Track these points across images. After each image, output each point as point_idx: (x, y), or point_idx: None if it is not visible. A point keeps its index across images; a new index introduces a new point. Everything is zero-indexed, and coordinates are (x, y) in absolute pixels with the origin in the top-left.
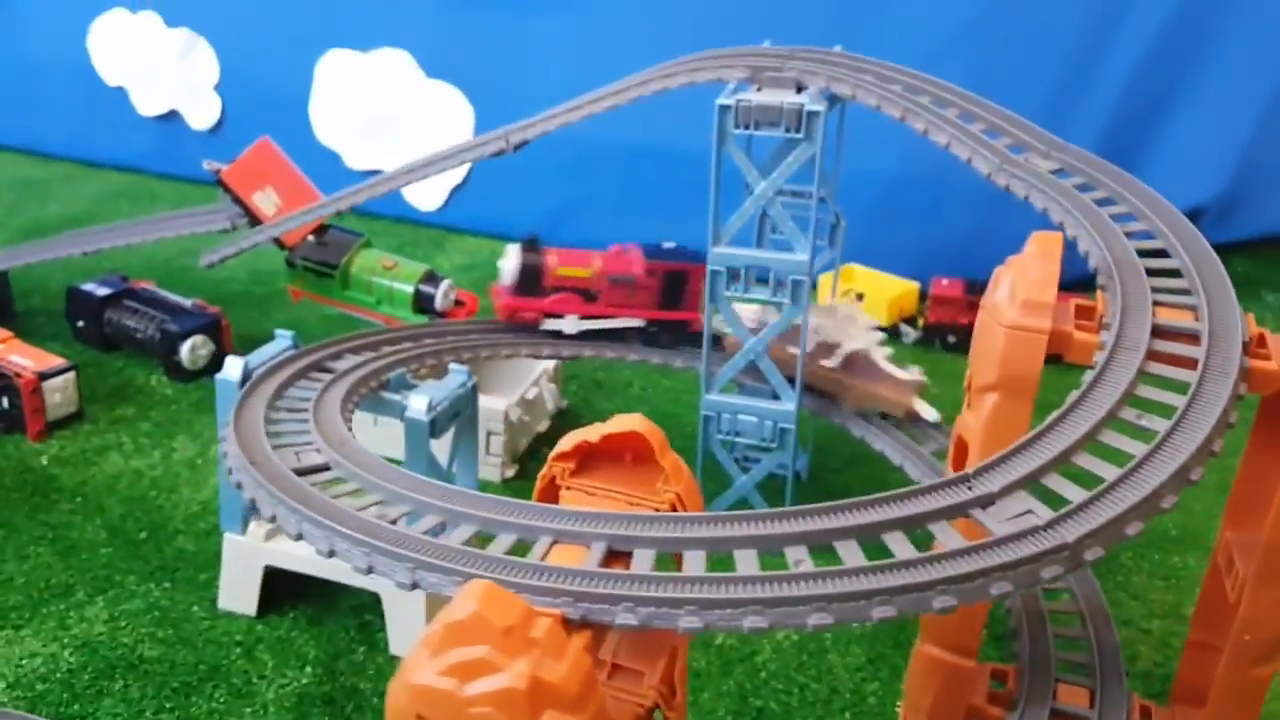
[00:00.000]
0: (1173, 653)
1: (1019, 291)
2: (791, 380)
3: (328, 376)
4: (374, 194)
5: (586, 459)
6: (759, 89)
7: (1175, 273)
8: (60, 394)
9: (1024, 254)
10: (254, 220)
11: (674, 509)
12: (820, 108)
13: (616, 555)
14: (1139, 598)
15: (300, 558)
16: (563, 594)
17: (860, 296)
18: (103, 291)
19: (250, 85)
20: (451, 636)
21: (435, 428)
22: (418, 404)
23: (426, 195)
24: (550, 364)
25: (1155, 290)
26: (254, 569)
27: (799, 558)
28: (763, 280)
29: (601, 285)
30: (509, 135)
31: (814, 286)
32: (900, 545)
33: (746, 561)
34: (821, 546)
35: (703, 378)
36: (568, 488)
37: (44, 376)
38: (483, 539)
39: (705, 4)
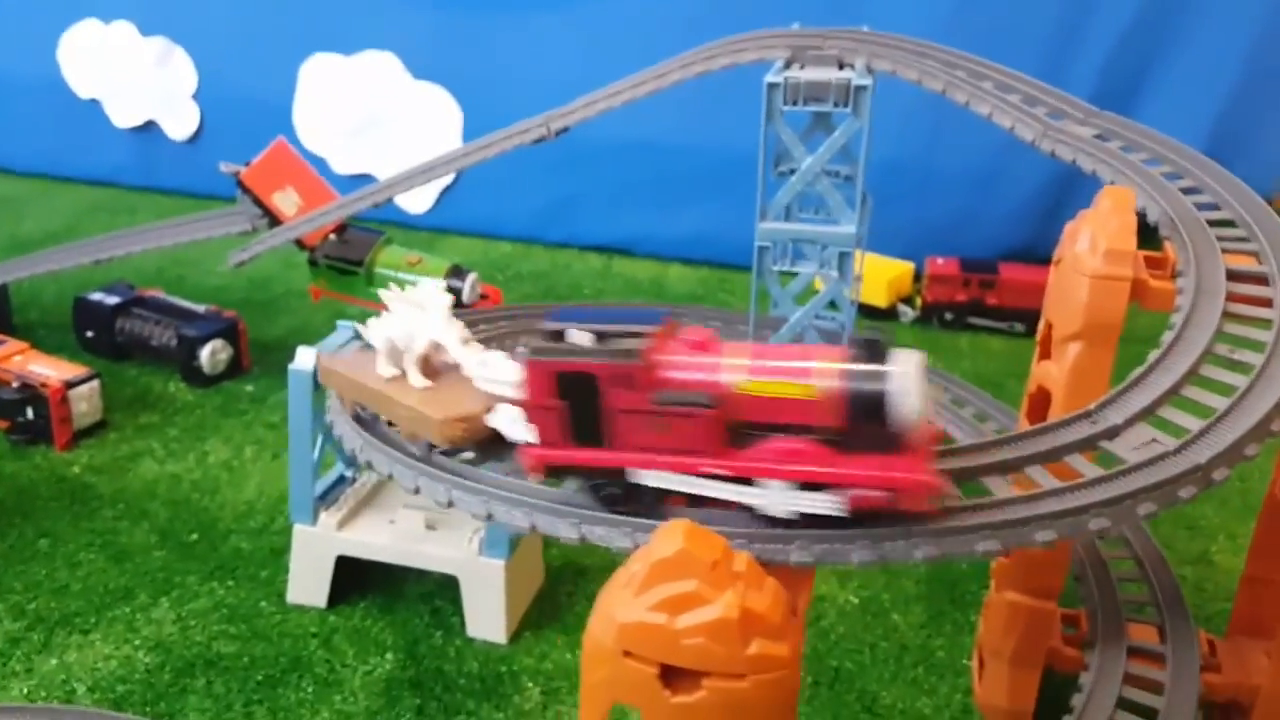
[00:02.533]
0: (1206, 596)
1: (1100, 242)
2: None
3: None
4: (407, 187)
5: None
6: (802, 67)
7: (1231, 223)
8: (86, 403)
9: (1098, 208)
10: (274, 221)
11: None
12: (868, 82)
13: None
14: (1169, 547)
15: (374, 545)
16: (736, 536)
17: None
18: (113, 300)
19: (230, 93)
20: (657, 574)
21: None
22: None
23: (416, 197)
24: None
25: (1220, 240)
26: (325, 559)
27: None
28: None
29: None
30: (550, 122)
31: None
32: (1043, 477)
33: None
34: (969, 480)
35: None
36: None
37: (70, 385)
38: None
39: (699, 4)
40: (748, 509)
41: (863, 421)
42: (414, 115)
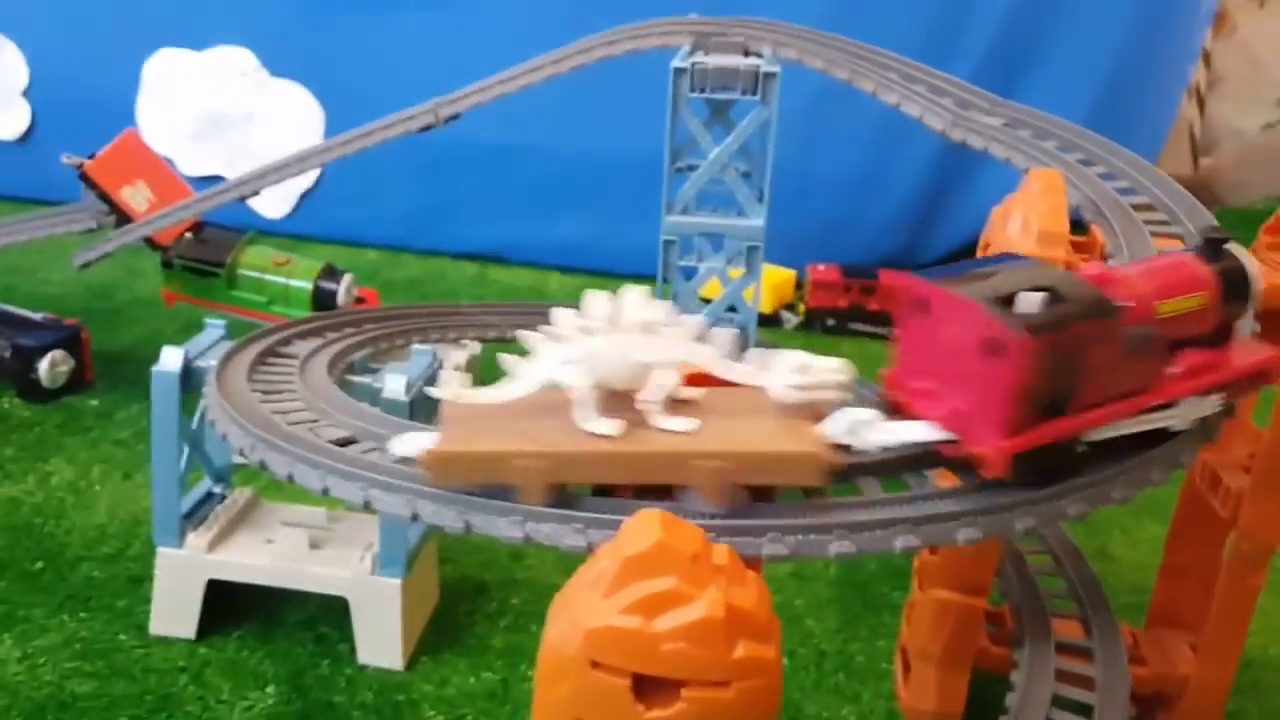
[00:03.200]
0: (1110, 589)
1: (1033, 224)
2: None
3: (293, 361)
4: (277, 179)
5: None
6: (706, 54)
7: (1150, 207)
8: None
9: (1027, 190)
10: (123, 218)
11: None
12: (777, 69)
13: None
14: None
15: (252, 567)
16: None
17: None
18: None
19: (65, 90)
20: (630, 571)
21: (414, 410)
22: (395, 385)
23: (273, 202)
24: (463, 356)
25: (1145, 223)
26: (194, 585)
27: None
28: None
29: None
30: (438, 109)
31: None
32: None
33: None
34: None
35: None
36: None
37: None
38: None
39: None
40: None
41: (1227, 314)
42: (271, 114)
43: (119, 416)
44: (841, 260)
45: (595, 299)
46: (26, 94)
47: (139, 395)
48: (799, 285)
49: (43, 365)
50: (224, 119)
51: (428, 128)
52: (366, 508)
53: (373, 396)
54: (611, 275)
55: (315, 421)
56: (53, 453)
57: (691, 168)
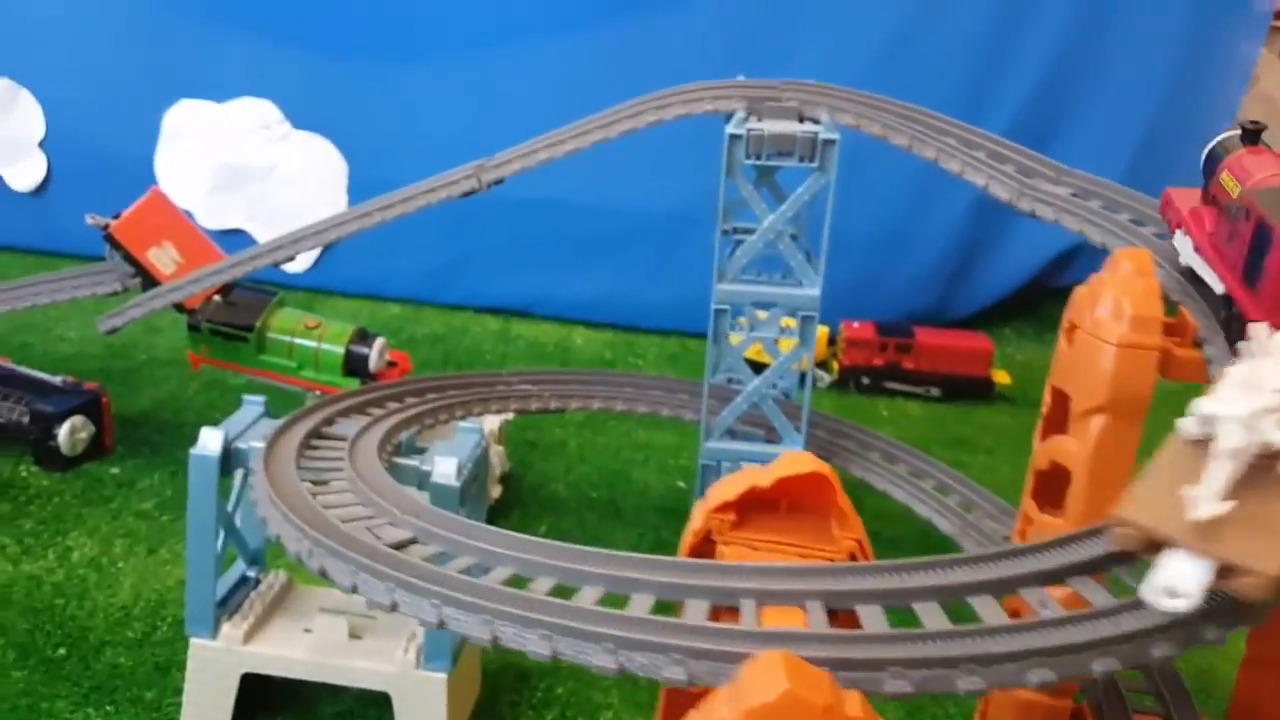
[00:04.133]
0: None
1: (1125, 307)
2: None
3: (340, 443)
4: (310, 245)
5: (742, 509)
6: (759, 119)
7: None
8: None
9: (1115, 271)
10: (149, 280)
11: (853, 558)
12: (836, 136)
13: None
14: None
15: (289, 660)
16: (823, 662)
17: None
18: None
19: (82, 141)
20: None
21: (464, 495)
22: (445, 469)
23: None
24: (495, 422)
25: None
26: (228, 679)
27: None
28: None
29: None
30: (481, 173)
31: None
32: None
33: (986, 609)
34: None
35: (702, 424)
36: (727, 543)
37: None
38: (666, 606)
39: (592, 58)
40: None
41: None
42: (293, 167)
43: (141, 486)
44: (874, 317)
45: None
46: (43, 145)
47: (161, 462)
48: (831, 342)
49: (62, 432)
50: (245, 172)
51: (471, 193)
52: (440, 627)
53: (421, 479)
54: (637, 330)
55: (372, 518)
56: (73, 526)
57: (736, 230)
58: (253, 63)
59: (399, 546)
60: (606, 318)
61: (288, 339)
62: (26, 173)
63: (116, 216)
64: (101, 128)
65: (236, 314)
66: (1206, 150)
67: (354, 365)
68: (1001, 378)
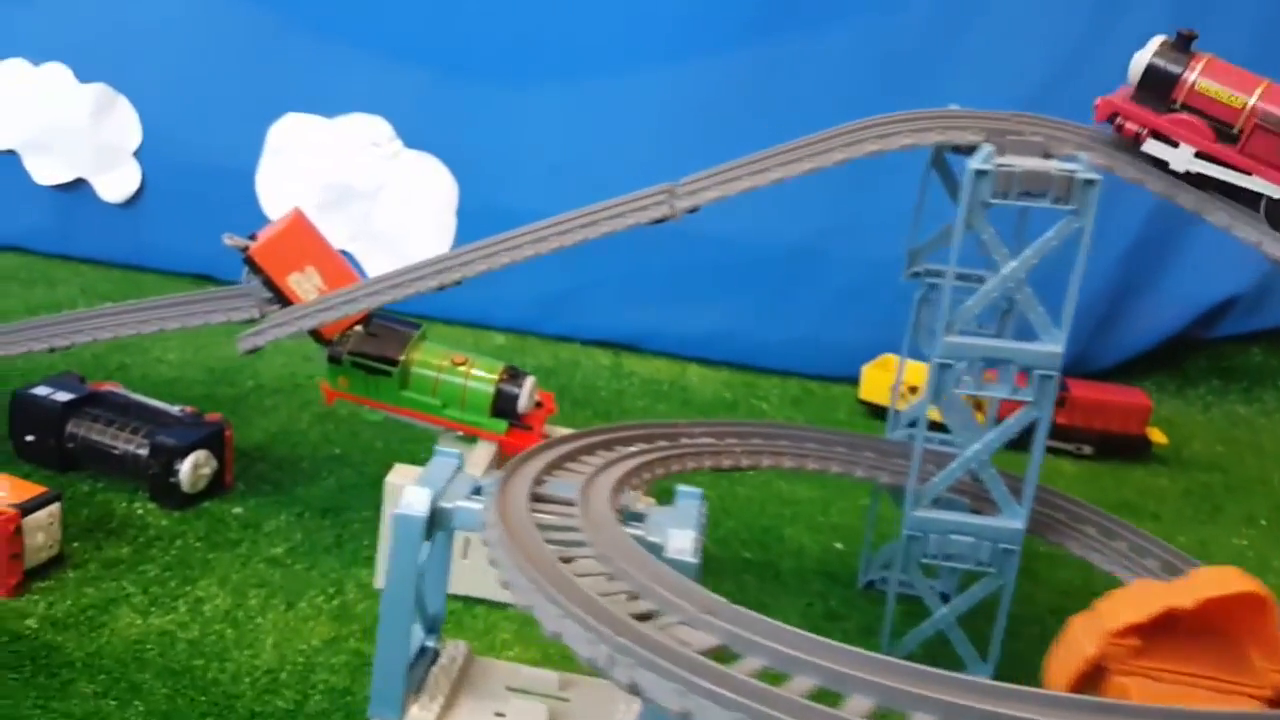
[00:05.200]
0: None
1: None
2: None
3: (568, 507)
4: (480, 270)
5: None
6: (1002, 153)
7: None
8: (43, 533)
9: None
10: (287, 307)
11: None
12: (1096, 176)
13: None
14: None
15: None
16: None
17: (913, 389)
18: (62, 397)
19: (179, 152)
20: None
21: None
22: (682, 543)
23: None
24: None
25: None
26: None
27: None
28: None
29: (1248, 125)
30: (674, 199)
31: None
32: None
33: None
34: None
35: (909, 491)
36: (1128, 673)
37: (25, 511)
38: None
39: (724, 83)
40: None
41: None
42: (403, 186)
43: (267, 528)
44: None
45: None
46: (138, 155)
47: (285, 502)
48: None
49: (184, 467)
50: (352, 190)
51: (662, 220)
52: None
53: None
54: (753, 370)
55: (635, 597)
56: (200, 573)
57: (929, 273)
58: (367, 78)
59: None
60: (721, 355)
61: (433, 375)
62: (119, 183)
63: (253, 237)
64: (201, 139)
65: (380, 346)
66: (1145, 61)
67: (503, 406)
68: (1157, 437)
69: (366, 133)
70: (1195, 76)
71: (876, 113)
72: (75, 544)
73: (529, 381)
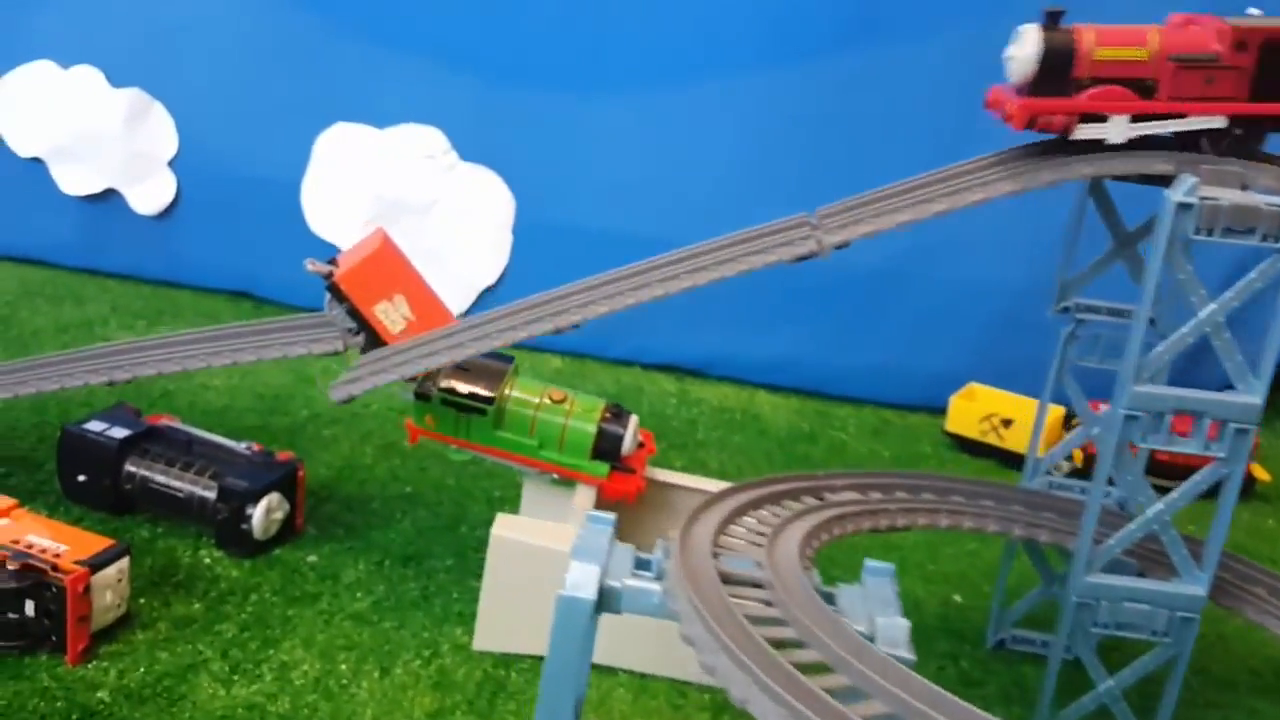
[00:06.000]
0: None
1: None
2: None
3: (757, 590)
4: (612, 308)
5: None
6: (1200, 184)
7: None
8: (112, 592)
9: None
10: (372, 338)
11: None
12: None
13: None
14: None
15: None
16: None
17: (1007, 423)
18: (118, 434)
19: (219, 162)
20: None
21: None
22: (895, 635)
23: (449, 297)
24: None
25: None
26: None
27: None
28: None
29: (1163, 71)
30: (820, 235)
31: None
32: None
33: None
34: None
35: (1080, 553)
36: None
37: (95, 568)
38: None
39: (801, 96)
40: None
41: None
42: (457, 200)
43: (346, 579)
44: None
45: None
46: (173, 164)
47: (361, 549)
48: (1068, 426)
49: (257, 513)
50: (403, 204)
51: (808, 257)
52: None
53: None
54: (825, 397)
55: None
56: (282, 633)
57: (1079, 308)
58: (421, 86)
59: None
60: (790, 382)
61: (530, 413)
62: (152, 194)
63: (333, 261)
64: (241, 148)
65: (473, 382)
66: (1033, 53)
67: (606, 447)
68: (1261, 474)
69: (420, 144)
70: (1091, 47)
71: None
72: (141, 599)
73: (633, 421)
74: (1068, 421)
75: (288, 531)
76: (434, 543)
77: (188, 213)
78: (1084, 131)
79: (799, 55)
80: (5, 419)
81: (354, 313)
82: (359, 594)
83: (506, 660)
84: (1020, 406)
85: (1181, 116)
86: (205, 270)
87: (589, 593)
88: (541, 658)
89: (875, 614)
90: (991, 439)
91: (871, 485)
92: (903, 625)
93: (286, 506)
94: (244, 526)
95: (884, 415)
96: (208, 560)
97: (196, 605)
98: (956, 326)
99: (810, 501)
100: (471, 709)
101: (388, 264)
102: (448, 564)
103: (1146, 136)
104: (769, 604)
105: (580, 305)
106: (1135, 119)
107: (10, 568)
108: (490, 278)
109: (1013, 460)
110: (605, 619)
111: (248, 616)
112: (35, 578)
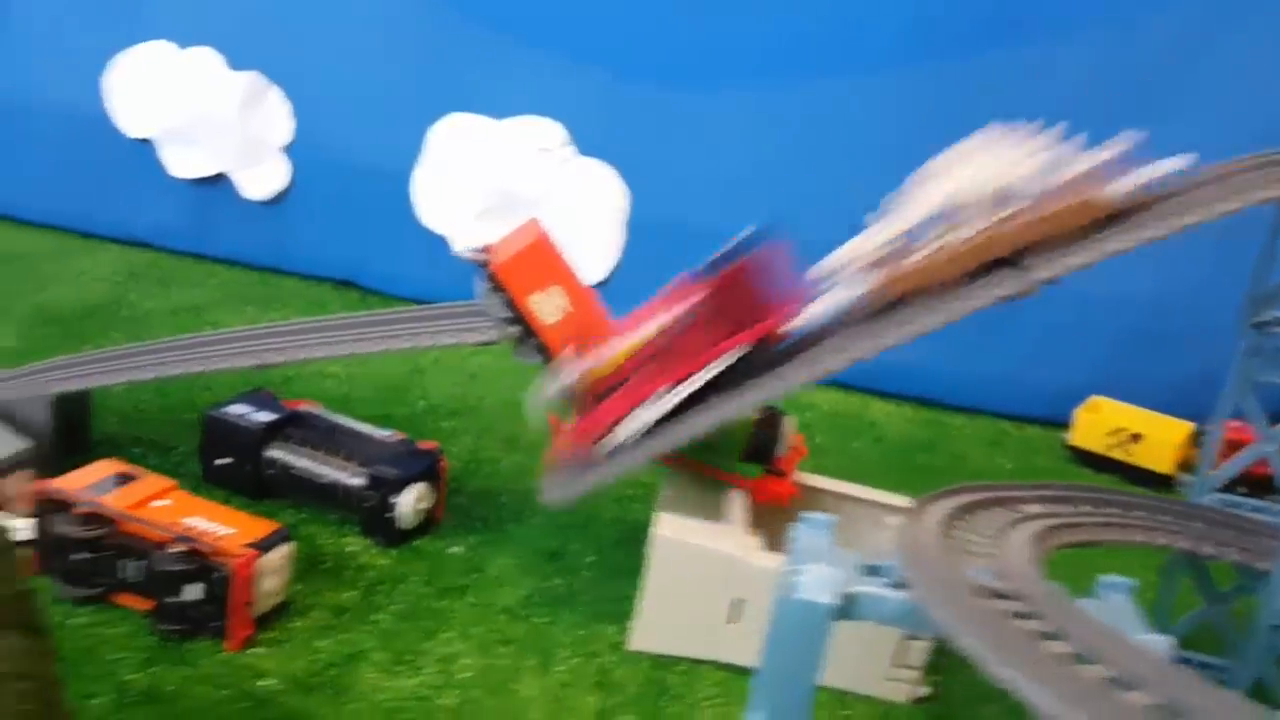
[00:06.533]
0: None
1: None
2: None
3: (1014, 601)
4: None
5: None
6: None
7: None
8: (275, 577)
9: None
10: (526, 329)
11: None
12: None
13: None
14: None
15: None
16: None
17: (1136, 437)
18: (262, 418)
19: (332, 149)
20: None
21: None
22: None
23: None
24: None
25: None
26: None
27: None
28: None
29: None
30: (1029, 276)
31: None
32: None
33: None
34: None
35: (1277, 574)
36: None
37: (260, 552)
38: None
39: (935, 94)
40: None
41: None
42: (570, 195)
43: (491, 572)
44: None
45: None
46: (287, 150)
47: (500, 541)
48: (1198, 443)
49: (404, 501)
50: (515, 198)
51: (1017, 296)
52: None
53: None
54: (938, 406)
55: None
56: (437, 624)
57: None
58: (542, 78)
59: None
60: (903, 389)
61: None
62: (264, 179)
63: (486, 250)
64: (356, 136)
65: None
66: None
67: (759, 449)
68: None
69: (536, 137)
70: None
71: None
72: (295, 586)
73: (785, 423)
74: (1197, 438)
75: (427, 522)
76: (571, 539)
77: (298, 199)
78: (634, 419)
79: (934, 53)
80: (131, 401)
81: (510, 303)
82: (506, 588)
83: (663, 661)
84: (1150, 422)
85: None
86: (311, 258)
87: (827, 597)
88: (699, 661)
89: (1126, 629)
90: (1118, 454)
91: (1055, 497)
92: (1163, 641)
93: (432, 497)
94: (390, 515)
95: (1000, 426)
96: (353, 548)
97: (350, 594)
98: (1080, 339)
99: (999, 511)
100: (639, 710)
101: (544, 254)
102: (589, 560)
103: None
104: (1030, 615)
105: (835, 351)
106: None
107: (175, 550)
108: (601, 273)
109: (1140, 476)
110: (743, 626)
111: (401, 607)
112: (200, 561)
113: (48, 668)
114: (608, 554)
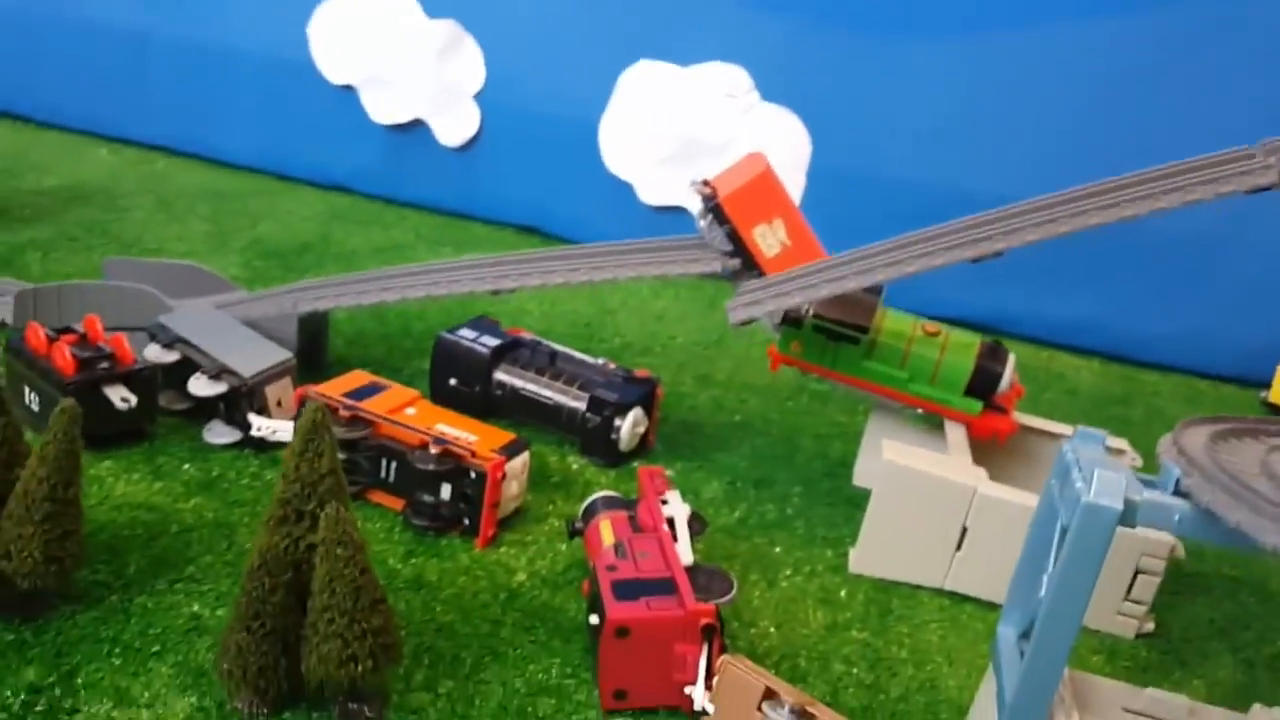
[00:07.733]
0: None
1: None
2: None
3: None
4: (1038, 237)
5: None
6: None
7: None
8: (516, 483)
9: None
10: (748, 261)
11: None
12: None
13: None
14: None
15: None
16: None
17: None
18: (490, 342)
19: (522, 96)
20: None
21: None
22: None
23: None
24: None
25: None
26: None
27: None
28: None
29: None
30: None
31: None
32: None
33: None
34: None
35: None
36: None
37: (507, 457)
38: None
39: (1121, 41)
40: None
41: None
42: (753, 141)
43: (706, 495)
44: None
45: None
46: (479, 97)
47: (710, 468)
48: None
49: (625, 424)
50: (699, 144)
51: (1267, 189)
52: None
53: None
54: (1128, 361)
55: None
56: None
57: None
58: (727, 24)
59: None
60: (1092, 344)
61: (902, 345)
62: (457, 126)
63: (707, 184)
64: (546, 84)
65: (849, 311)
66: None
67: (981, 384)
68: None
69: (722, 83)
70: None
71: None
72: (529, 495)
73: (1011, 359)
74: None
75: (640, 446)
76: (777, 469)
77: (487, 146)
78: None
79: (1146, 2)
80: (353, 326)
81: (734, 235)
82: (722, 510)
83: (884, 585)
84: None
85: None
86: (498, 203)
87: (1116, 502)
88: (918, 587)
89: None
90: None
91: None
92: None
93: (646, 422)
94: (612, 437)
95: (1195, 385)
96: (574, 466)
97: (579, 506)
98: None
99: (1261, 444)
100: (865, 626)
101: (768, 188)
102: (796, 490)
103: None
104: None
105: (1005, 232)
106: None
107: (432, 452)
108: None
109: None
110: (966, 554)
111: None
112: (454, 463)
113: (357, 535)
114: (815, 485)
